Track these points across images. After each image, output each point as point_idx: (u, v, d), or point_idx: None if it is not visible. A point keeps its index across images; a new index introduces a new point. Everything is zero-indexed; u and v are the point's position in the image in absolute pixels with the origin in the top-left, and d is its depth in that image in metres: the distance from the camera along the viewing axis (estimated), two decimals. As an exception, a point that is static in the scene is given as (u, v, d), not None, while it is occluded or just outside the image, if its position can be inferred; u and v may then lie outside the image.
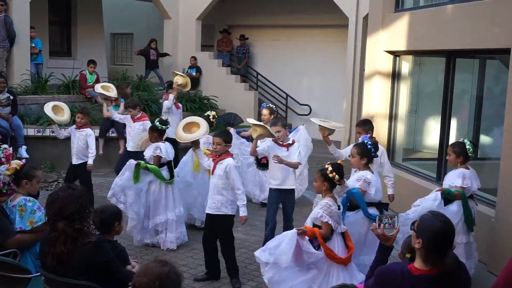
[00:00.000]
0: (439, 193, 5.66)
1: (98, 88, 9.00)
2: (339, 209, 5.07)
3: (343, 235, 5.11)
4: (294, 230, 4.83)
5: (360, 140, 6.49)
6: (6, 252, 4.34)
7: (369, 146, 5.77)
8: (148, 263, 2.92)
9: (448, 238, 3.13)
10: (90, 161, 8.08)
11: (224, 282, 6.13)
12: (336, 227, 5.01)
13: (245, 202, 5.91)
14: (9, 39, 11.35)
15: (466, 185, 5.88)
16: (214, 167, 5.90)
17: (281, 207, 6.77)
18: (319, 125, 6.64)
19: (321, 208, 4.96)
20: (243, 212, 5.89)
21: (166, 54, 15.54)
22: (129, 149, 8.79)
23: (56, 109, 8.15)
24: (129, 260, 4.25)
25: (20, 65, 11.80)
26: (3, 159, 4.98)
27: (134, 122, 8.77)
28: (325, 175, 5.04)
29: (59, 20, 15.25)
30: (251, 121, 6.73)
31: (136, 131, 8.70)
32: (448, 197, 5.78)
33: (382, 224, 3.47)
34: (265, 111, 8.59)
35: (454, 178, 5.97)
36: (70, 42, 15.39)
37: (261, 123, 6.76)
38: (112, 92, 9.20)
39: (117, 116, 9.09)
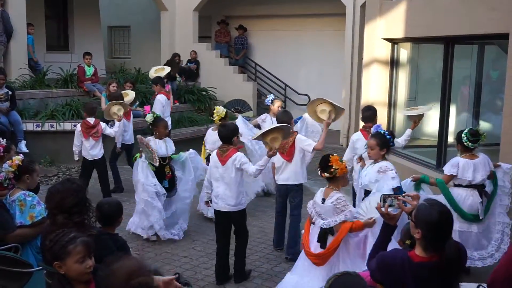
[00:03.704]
0: (409, 180, 5.68)
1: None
2: (323, 202, 4.88)
3: (322, 232, 4.88)
4: None
5: (373, 130, 6.30)
6: (7, 246, 4.34)
7: (388, 136, 5.68)
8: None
9: (446, 227, 3.12)
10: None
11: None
12: (314, 219, 4.92)
13: None
14: (6, 34, 11.32)
15: (449, 173, 5.82)
16: None
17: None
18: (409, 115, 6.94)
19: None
20: None
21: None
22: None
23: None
24: (131, 253, 4.25)
25: (17, 60, 11.75)
26: None
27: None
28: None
29: (55, 14, 15.18)
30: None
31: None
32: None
33: (386, 204, 3.47)
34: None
35: (446, 165, 5.96)
36: (67, 35, 15.32)
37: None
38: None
39: (112, 131, 8.72)
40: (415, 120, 6.84)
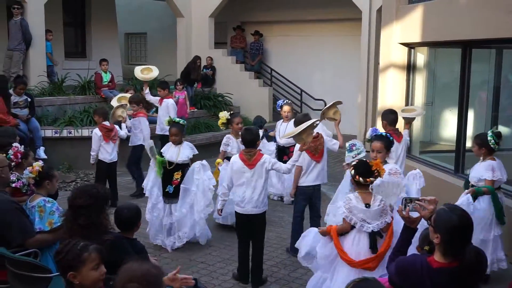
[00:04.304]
0: (470, 197, 5.57)
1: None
2: (367, 206, 4.72)
3: (373, 237, 4.73)
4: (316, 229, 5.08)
5: (369, 133, 6.45)
6: (27, 252, 4.39)
7: (390, 138, 5.65)
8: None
9: (466, 232, 3.09)
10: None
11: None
12: (357, 224, 4.71)
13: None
14: (25, 42, 11.48)
15: (496, 178, 5.75)
16: None
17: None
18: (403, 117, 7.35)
19: (343, 202, 4.85)
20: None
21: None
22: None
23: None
24: (149, 258, 4.28)
25: (36, 68, 11.91)
26: (12, 157, 5.19)
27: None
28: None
29: (73, 21, 15.34)
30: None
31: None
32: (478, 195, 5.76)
33: (407, 207, 3.45)
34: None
35: (483, 171, 5.82)
36: (85, 43, 15.50)
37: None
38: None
39: (124, 134, 9.10)
40: (409, 121, 7.40)
